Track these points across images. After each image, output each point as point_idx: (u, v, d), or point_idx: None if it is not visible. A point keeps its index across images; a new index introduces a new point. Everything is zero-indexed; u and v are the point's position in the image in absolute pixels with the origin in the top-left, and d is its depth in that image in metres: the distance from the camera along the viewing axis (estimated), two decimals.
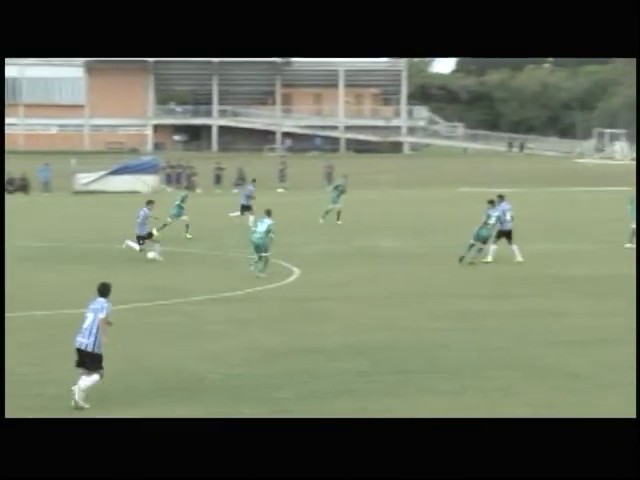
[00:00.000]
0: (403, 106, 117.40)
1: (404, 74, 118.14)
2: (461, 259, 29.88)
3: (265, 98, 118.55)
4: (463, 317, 22.46)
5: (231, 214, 41.36)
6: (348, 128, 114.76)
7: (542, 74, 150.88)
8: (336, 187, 43.44)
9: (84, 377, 15.35)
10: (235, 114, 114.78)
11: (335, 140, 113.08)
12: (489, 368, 17.92)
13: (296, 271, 29.00)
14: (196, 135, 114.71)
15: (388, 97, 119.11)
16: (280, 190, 62.17)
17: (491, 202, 31.47)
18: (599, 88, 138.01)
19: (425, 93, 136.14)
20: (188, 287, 26.39)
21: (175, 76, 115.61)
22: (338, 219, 41.65)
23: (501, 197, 31.95)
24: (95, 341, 15.43)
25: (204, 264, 30.42)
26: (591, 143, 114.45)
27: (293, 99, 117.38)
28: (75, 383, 15.35)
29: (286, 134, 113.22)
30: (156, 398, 15.88)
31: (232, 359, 18.51)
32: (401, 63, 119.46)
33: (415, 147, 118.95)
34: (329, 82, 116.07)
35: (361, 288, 26.40)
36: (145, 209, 31.81)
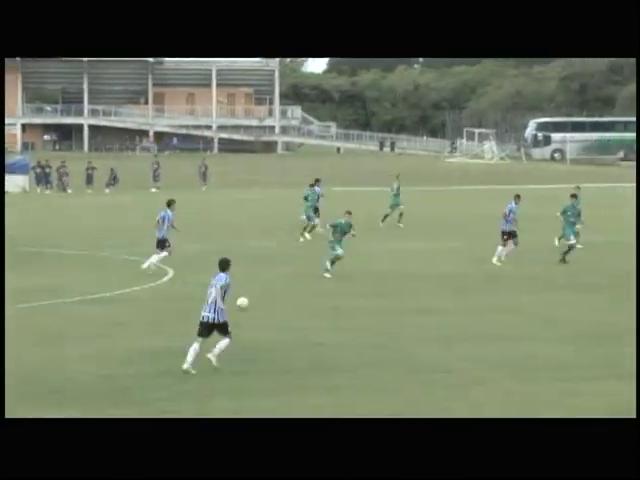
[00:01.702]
0: (276, 106, 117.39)
1: (277, 74, 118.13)
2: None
3: (137, 97, 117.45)
4: (339, 316, 22.54)
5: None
6: (221, 127, 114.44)
7: (413, 74, 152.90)
8: (397, 191, 41.29)
9: (225, 341, 17.46)
10: (106, 113, 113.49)
11: (208, 139, 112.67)
12: (365, 365, 18.02)
13: (170, 271, 28.76)
14: (67, 135, 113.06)
15: (261, 97, 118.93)
16: (154, 190, 61.68)
17: (517, 197, 31.35)
18: (468, 88, 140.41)
19: (298, 93, 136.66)
20: (64, 288, 25.97)
21: (44, 74, 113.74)
22: (399, 221, 40.36)
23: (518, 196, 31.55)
24: (218, 313, 17.41)
25: (80, 265, 29.96)
26: (462, 142, 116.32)
27: (165, 98, 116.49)
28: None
29: (155, 133, 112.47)
30: (29, 400, 15.55)
31: (107, 360, 18.27)
32: (274, 63, 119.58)
33: (289, 146, 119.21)
34: (202, 82, 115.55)
35: (235, 288, 26.25)
36: (168, 211, 29.03)
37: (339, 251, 27.87)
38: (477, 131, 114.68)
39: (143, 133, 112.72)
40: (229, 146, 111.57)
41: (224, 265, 17.93)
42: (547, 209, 40.65)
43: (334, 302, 24.06)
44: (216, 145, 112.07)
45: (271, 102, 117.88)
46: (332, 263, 27.76)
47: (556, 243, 32.52)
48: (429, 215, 46.39)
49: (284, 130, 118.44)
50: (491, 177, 74.11)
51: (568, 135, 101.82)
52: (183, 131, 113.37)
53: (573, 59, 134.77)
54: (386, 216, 40.76)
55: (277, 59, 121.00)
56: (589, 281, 27.40)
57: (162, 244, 28.70)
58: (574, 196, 31.34)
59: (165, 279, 27.72)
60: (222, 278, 17.68)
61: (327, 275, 27.52)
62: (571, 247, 30.38)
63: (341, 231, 27.99)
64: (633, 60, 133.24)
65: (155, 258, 28.62)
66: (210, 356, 17.41)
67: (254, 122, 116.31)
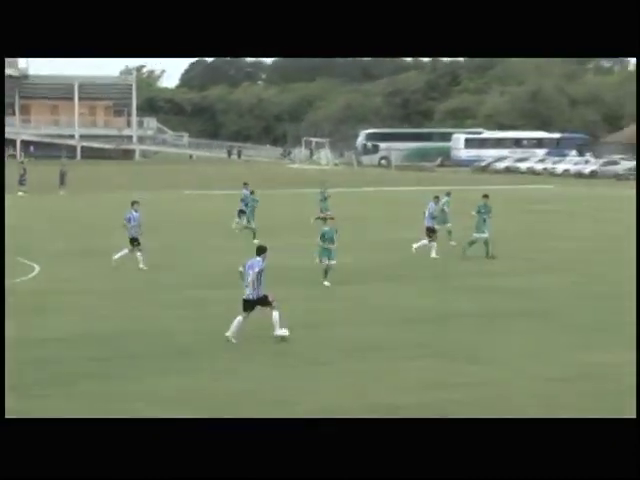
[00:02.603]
0: (134, 117, 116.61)
1: (134, 88, 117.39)
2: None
3: (5, 109, 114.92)
4: (190, 305, 22.40)
5: (234, 225, 37.77)
6: (83, 137, 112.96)
7: (257, 89, 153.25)
8: (324, 196, 40.72)
9: (274, 314, 18.17)
10: None
11: (71, 148, 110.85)
12: (216, 349, 17.95)
13: (36, 267, 28.12)
14: None
15: (120, 109, 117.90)
16: (20, 193, 60.20)
17: (436, 198, 31.81)
18: (305, 102, 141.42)
19: (153, 105, 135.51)
20: None
21: None
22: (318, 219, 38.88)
23: (437, 197, 32.06)
24: (257, 290, 18.12)
25: None
26: (300, 150, 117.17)
27: (31, 110, 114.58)
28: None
29: (22, 142, 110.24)
30: None
31: None
32: (131, 78, 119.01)
33: (145, 154, 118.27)
34: (65, 95, 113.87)
35: (97, 283, 25.88)
36: (134, 212, 28.18)
37: (333, 261, 25.37)
38: (314, 140, 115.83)
39: (11, 142, 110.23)
40: (91, 154, 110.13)
41: (259, 250, 18.47)
42: (376, 209, 41.31)
43: (184, 293, 23.91)
44: (79, 153, 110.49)
45: (129, 114, 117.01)
46: (325, 273, 25.26)
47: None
48: (279, 215, 46.47)
49: (141, 139, 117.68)
50: (327, 181, 74.64)
51: (393, 144, 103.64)
52: (48, 140, 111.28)
53: (396, 77, 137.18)
54: (317, 218, 40.04)
55: (134, 75, 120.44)
56: (411, 273, 27.86)
57: (134, 242, 28.03)
58: (486, 196, 31.72)
59: (31, 275, 27.07)
60: (259, 263, 18.17)
61: (327, 283, 24.99)
62: (486, 240, 30.56)
63: (330, 238, 25.52)
64: (449, 78, 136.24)
65: (125, 252, 28.07)
66: (278, 333, 18.20)
67: (114, 132, 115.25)
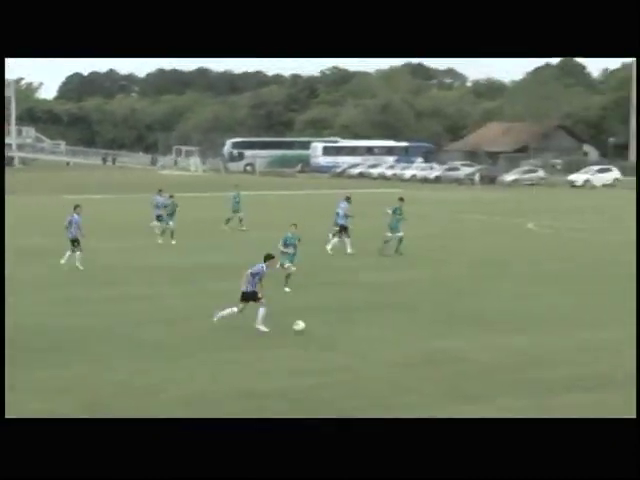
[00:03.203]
0: (12, 126, 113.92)
1: (13, 99, 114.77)
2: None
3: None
4: (73, 303, 21.92)
5: (151, 224, 36.18)
6: None
7: (131, 101, 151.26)
8: (235, 198, 39.49)
9: (260, 310, 18.74)
10: None
11: None
12: (94, 343, 17.64)
13: None
14: None
15: None
16: None
17: (348, 198, 31.50)
18: (177, 113, 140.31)
19: (32, 115, 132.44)
20: None
21: None
22: (241, 225, 38.63)
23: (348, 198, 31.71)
24: (251, 286, 18.88)
25: None
26: (171, 158, 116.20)
27: None
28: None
29: None
30: None
31: None
32: (10, 91, 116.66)
33: (24, 161, 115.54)
34: None
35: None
36: (75, 216, 27.37)
37: (287, 264, 23.71)
38: (184, 148, 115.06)
39: None
40: None
41: (266, 258, 19.27)
42: (248, 211, 41.12)
43: (63, 293, 23.39)
44: None
45: (8, 123, 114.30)
46: (286, 279, 23.69)
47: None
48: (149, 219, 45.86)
49: (20, 147, 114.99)
50: (197, 186, 74.18)
51: (257, 152, 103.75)
52: None
53: (259, 91, 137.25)
54: (228, 220, 39.25)
55: (12, 86, 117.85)
56: (278, 270, 27.82)
57: (74, 243, 27.33)
58: (401, 199, 31.91)
59: None
60: (258, 267, 19.01)
61: (287, 289, 23.53)
62: (401, 239, 30.79)
63: (291, 244, 24.03)
64: (308, 91, 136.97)
65: (68, 254, 27.36)
66: (259, 327, 18.61)
67: None
